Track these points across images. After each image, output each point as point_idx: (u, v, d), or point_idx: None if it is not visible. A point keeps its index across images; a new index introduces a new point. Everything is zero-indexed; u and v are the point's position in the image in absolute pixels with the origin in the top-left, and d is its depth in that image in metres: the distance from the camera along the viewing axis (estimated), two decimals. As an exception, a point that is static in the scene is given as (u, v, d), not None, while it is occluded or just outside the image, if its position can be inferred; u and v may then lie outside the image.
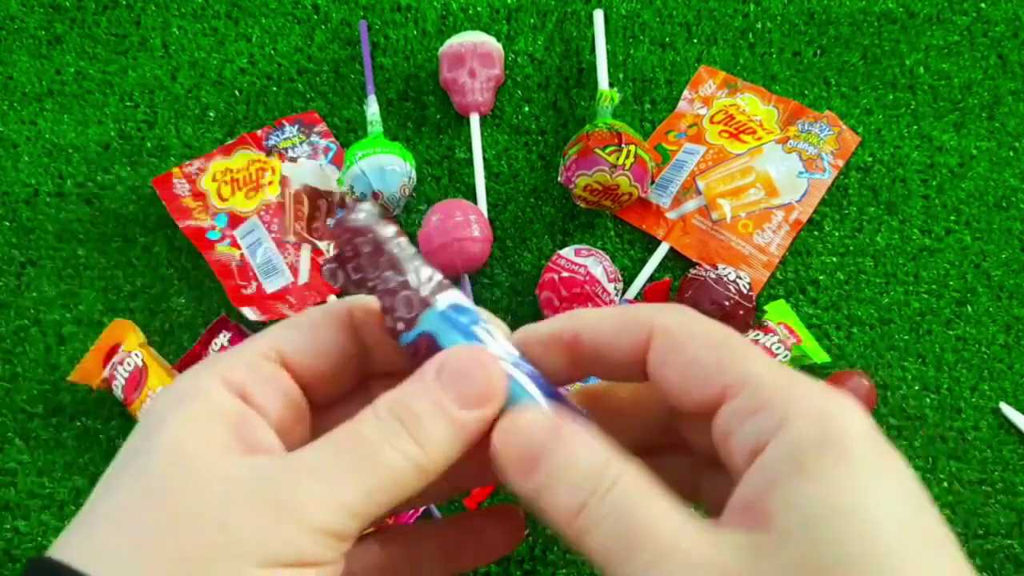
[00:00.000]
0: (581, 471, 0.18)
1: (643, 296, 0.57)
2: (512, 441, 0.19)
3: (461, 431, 0.19)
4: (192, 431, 0.19)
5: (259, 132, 0.63)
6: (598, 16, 0.64)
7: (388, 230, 0.22)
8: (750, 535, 0.16)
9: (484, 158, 0.61)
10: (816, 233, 0.60)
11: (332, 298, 0.57)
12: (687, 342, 0.19)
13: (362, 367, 0.23)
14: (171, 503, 0.18)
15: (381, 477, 0.19)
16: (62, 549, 0.18)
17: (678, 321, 0.20)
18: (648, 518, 0.17)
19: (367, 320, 0.22)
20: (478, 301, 0.58)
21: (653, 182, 0.60)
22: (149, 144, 0.63)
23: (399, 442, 0.19)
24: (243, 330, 0.55)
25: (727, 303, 0.52)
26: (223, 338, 0.53)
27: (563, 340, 0.22)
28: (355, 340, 0.22)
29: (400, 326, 0.21)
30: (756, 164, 0.60)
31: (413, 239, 0.59)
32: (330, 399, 0.23)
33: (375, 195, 0.56)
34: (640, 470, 0.18)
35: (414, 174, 0.59)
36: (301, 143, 0.63)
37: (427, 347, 0.21)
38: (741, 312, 0.53)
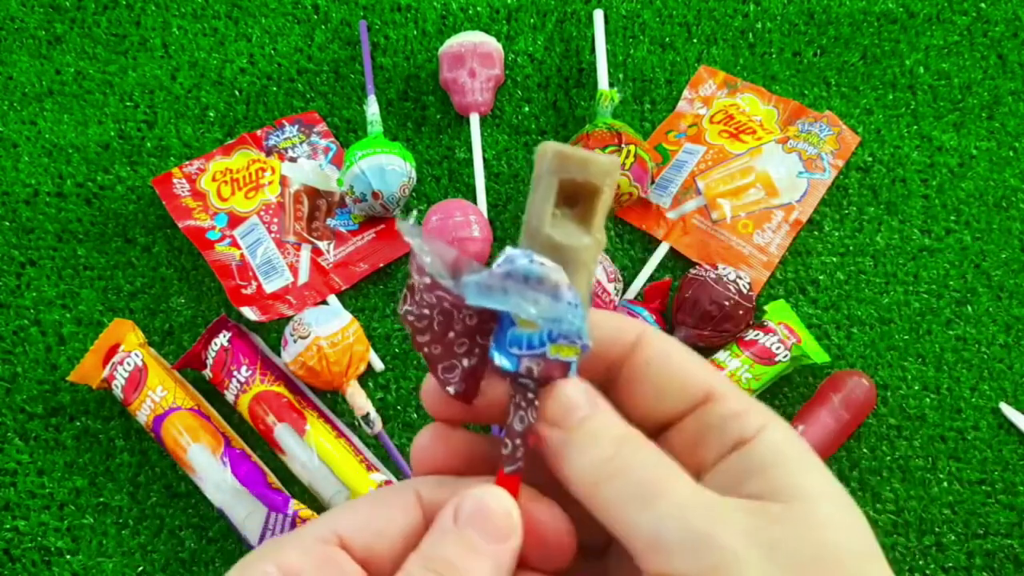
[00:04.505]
0: (610, 432, 0.20)
1: (643, 296, 0.57)
2: (555, 402, 0.21)
3: (498, 563, 0.20)
4: None
5: (259, 132, 0.63)
6: (598, 16, 0.64)
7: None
8: (761, 503, 0.19)
9: (484, 158, 0.61)
10: (816, 233, 0.60)
11: (333, 298, 0.57)
12: (673, 351, 0.22)
13: None
14: None
15: None
16: None
17: (662, 336, 0.22)
18: (667, 475, 0.19)
19: (433, 499, 0.22)
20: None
21: (653, 182, 0.60)
22: (149, 144, 0.63)
23: None
24: (243, 330, 0.55)
25: (727, 303, 0.52)
26: (223, 338, 0.53)
27: None
28: (421, 519, 0.22)
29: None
30: (756, 164, 0.60)
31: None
32: None
33: (375, 195, 0.56)
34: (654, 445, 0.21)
35: (414, 174, 0.59)
36: (301, 143, 0.63)
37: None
38: (741, 312, 0.53)
